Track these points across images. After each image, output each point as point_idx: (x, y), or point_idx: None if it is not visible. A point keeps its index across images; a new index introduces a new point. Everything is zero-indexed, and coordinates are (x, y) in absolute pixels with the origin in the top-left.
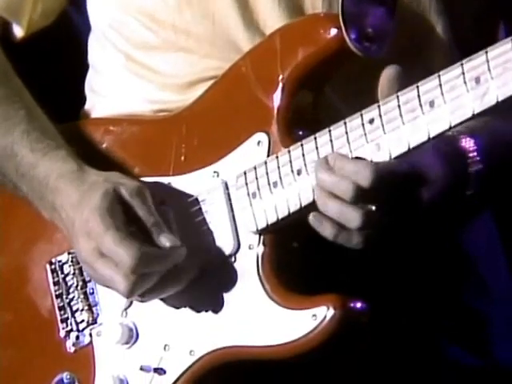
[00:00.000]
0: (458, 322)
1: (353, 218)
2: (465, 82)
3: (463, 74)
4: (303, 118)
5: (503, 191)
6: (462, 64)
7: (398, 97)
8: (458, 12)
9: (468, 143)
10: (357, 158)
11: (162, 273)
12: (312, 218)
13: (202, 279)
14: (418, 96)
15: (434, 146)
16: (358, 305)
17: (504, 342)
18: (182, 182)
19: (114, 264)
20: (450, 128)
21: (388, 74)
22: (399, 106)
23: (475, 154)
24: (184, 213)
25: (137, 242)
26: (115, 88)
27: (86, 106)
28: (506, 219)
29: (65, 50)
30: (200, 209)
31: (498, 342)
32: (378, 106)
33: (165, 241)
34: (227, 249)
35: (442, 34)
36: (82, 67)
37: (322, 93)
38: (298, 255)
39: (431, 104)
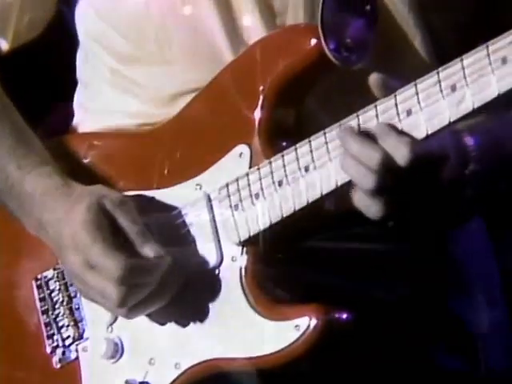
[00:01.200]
0: (446, 328)
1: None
2: (441, 90)
3: (439, 81)
4: (284, 129)
5: (496, 194)
6: (438, 72)
7: (376, 106)
8: (436, 22)
9: (468, 141)
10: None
11: (153, 284)
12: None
13: (187, 292)
14: (396, 105)
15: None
16: (341, 314)
17: (493, 348)
18: (165, 196)
19: (103, 275)
20: (427, 136)
21: (373, 81)
22: (377, 115)
23: (474, 153)
24: (168, 226)
25: (124, 253)
26: (101, 102)
27: (74, 121)
28: (497, 225)
29: (54, 65)
30: (184, 221)
31: (488, 348)
32: (357, 116)
33: (148, 251)
34: (211, 261)
35: (421, 47)
36: (71, 82)
37: (303, 103)
38: (281, 266)
39: (408, 112)
